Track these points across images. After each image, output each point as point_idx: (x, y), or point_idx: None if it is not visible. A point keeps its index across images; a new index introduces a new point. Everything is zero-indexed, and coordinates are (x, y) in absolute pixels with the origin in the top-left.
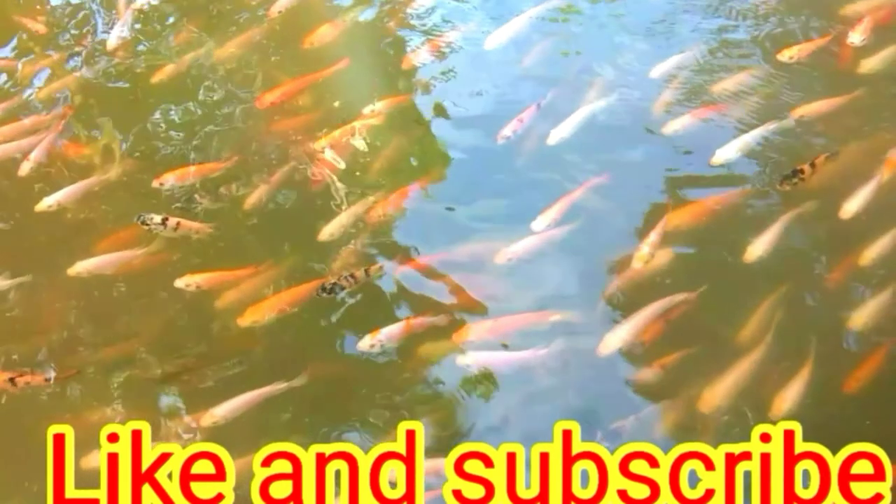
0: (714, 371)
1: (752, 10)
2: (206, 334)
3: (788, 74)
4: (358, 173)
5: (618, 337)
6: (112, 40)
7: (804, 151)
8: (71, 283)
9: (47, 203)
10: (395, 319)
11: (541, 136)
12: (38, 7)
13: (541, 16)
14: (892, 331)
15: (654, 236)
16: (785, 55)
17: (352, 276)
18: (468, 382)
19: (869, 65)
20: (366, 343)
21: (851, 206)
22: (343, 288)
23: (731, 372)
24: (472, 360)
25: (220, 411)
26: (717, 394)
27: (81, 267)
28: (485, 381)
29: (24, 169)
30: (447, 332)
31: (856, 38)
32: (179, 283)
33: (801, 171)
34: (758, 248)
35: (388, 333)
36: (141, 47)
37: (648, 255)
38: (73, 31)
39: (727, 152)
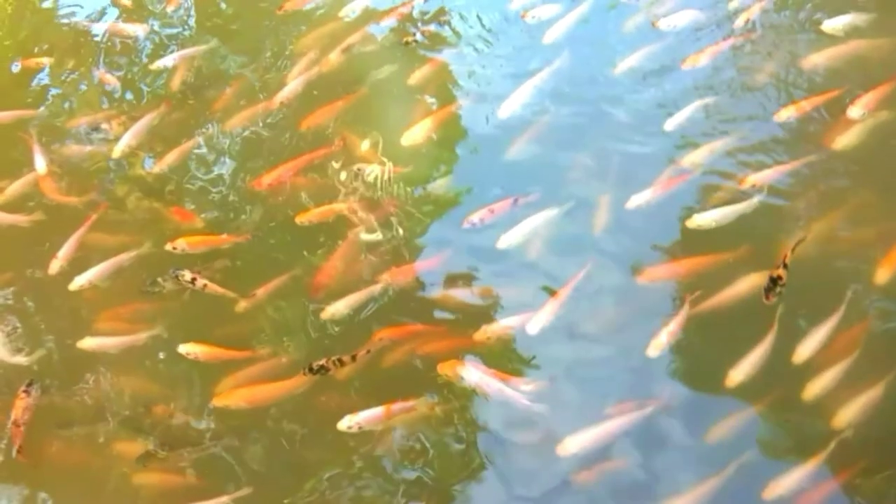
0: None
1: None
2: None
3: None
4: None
5: (577, 442)
6: (119, 147)
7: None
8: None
9: (79, 283)
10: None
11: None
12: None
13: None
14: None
15: (673, 325)
16: (783, 115)
17: (339, 360)
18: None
19: (844, 140)
20: (344, 424)
21: (805, 351)
22: (328, 370)
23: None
24: (466, 375)
25: None
26: None
27: (87, 344)
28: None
29: (54, 268)
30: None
31: (856, 112)
32: (182, 349)
33: (780, 278)
34: (739, 374)
35: (367, 417)
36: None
37: (666, 344)
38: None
39: (704, 219)
